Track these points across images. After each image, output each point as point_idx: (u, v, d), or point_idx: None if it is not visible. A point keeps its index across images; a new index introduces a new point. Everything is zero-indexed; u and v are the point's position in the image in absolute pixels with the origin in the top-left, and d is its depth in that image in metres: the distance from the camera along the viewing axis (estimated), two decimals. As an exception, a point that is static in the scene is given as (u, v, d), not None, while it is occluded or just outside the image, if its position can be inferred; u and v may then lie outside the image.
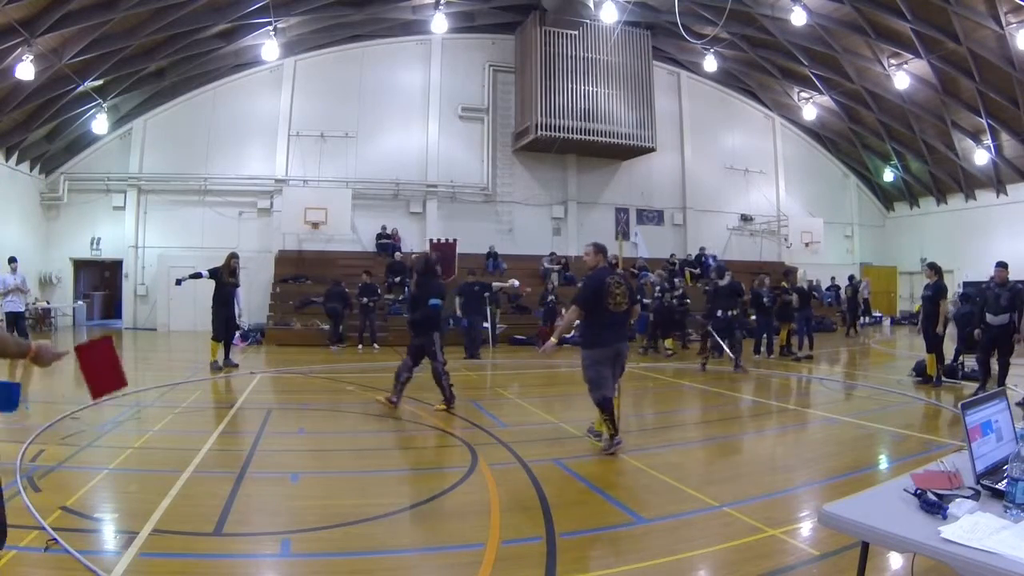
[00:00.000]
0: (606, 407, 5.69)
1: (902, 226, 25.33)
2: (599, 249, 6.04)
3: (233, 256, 11.56)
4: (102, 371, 2.49)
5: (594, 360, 5.72)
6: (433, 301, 7.49)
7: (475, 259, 18.45)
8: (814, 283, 20.02)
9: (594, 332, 5.75)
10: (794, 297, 13.89)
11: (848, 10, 16.99)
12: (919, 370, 10.05)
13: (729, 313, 11.45)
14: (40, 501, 4.03)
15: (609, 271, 5.96)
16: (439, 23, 17.70)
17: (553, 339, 6.04)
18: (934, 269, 9.81)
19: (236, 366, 11.29)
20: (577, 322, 6.01)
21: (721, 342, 11.84)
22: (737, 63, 21.58)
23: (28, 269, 14.53)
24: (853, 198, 25.51)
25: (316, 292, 17.47)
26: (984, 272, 9.89)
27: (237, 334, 12.94)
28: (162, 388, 8.88)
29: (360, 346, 14.61)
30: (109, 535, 3.71)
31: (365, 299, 14.65)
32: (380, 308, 15.95)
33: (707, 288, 13.29)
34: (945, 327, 9.62)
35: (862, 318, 20.74)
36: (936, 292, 9.56)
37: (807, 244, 22.53)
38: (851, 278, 20.38)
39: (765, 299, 13.63)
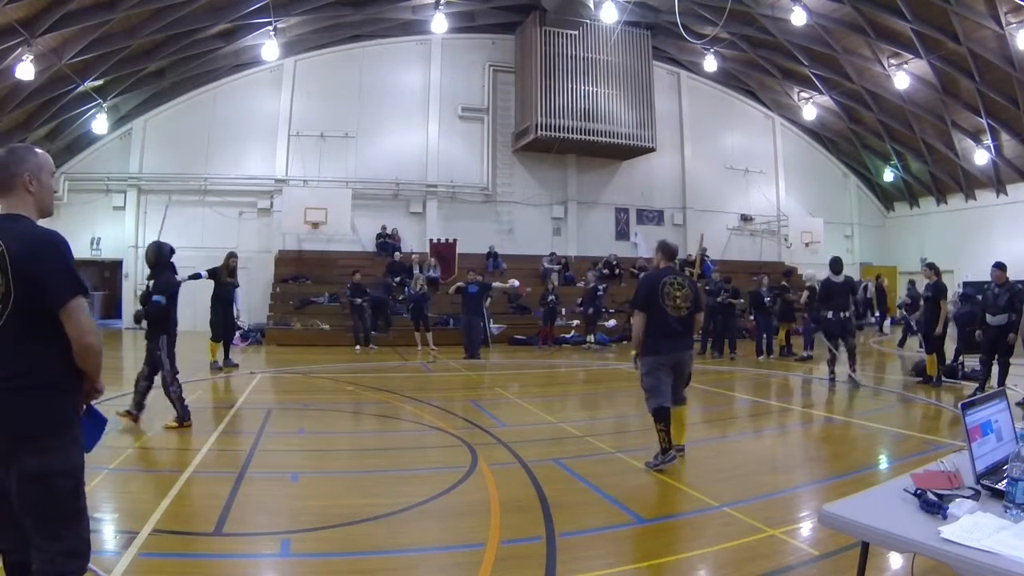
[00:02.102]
0: (661, 416, 5.29)
1: (902, 226, 25.31)
2: (660, 249, 5.74)
3: (232, 256, 11.58)
4: None
5: (651, 367, 5.40)
6: (155, 297, 6.62)
7: (475, 259, 18.45)
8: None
9: (651, 338, 5.39)
10: (804, 295, 13.81)
11: (848, 10, 16.98)
12: (919, 370, 10.05)
13: (842, 314, 9.74)
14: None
15: (668, 272, 5.57)
16: (439, 23, 17.69)
17: (634, 351, 5.64)
18: (933, 269, 9.82)
19: (236, 366, 11.30)
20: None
21: (833, 348, 9.92)
22: (737, 63, 21.58)
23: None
24: (853, 198, 25.50)
25: (316, 292, 17.52)
26: (984, 272, 9.85)
27: (237, 334, 12.95)
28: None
29: (358, 347, 14.61)
30: (109, 535, 3.71)
31: (357, 299, 14.64)
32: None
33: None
34: (946, 327, 9.61)
35: (864, 317, 20.70)
36: (936, 292, 9.56)
37: (807, 244, 22.51)
38: (878, 277, 20.41)
39: (766, 299, 13.62)
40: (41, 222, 2.32)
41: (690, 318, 5.53)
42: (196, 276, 11.23)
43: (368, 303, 14.87)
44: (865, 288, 18.79)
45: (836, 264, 9.92)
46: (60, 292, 2.16)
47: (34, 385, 2.15)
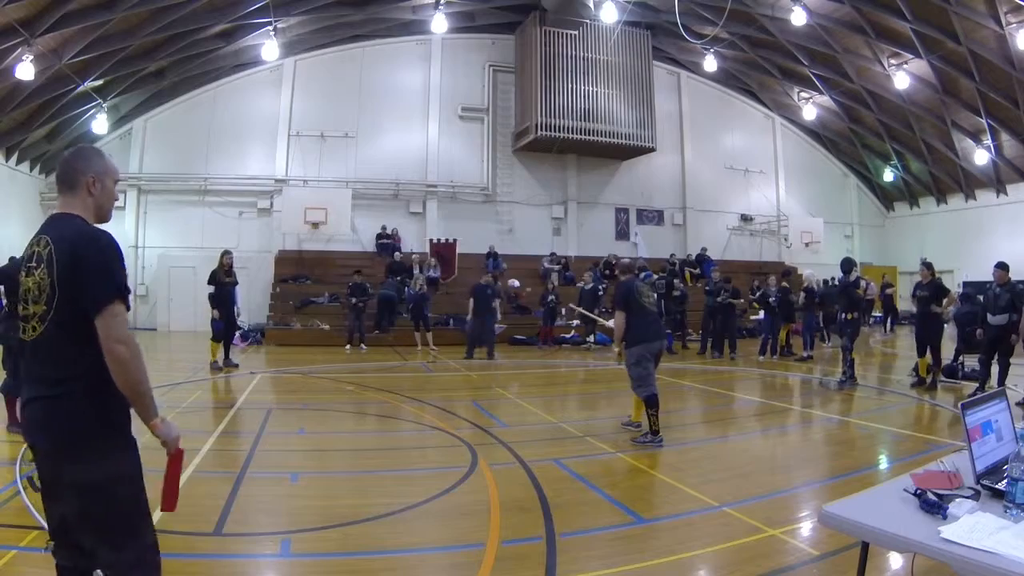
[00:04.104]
0: (653, 403, 6.05)
1: (902, 226, 25.31)
2: (623, 267, 6.94)
3: (226, 253, 11.56)
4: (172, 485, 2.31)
5: (639, 357, 6.20)
6: None
7: (475, 259, 18.46)
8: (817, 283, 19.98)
9: (638, 329, 6.28)
10: (801, 296, 13.83)
11: (848, 10, 16.98)
12: (919, 370, 10.03)
13: (845, 316, 9.68)
14: (40, 501, 4.02)
15: (635, 278, 6.63)
16: (439, 23, 17.69)
17: (615, 347, 6.57)
18: (930, 269, 9.75)
19: (236, 366, 11.29)
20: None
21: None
22: (737, 63, 21.58)
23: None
24: (853, 198, 25.50)
25: (316, 292, 17.53)
26: (984, 272, 9.83)
27: (237, 334, 12.95)
28: (162, 388, 8.88)
29: (348, 347, 14.57)
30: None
31: (354, 299, 14.61)
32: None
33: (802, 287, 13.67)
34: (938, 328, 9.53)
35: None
36: (936, 291, 9.50)
37: (807, 244, 22.52)
38: (883, 276, 20.48)
39: (771, 299, 13.62)
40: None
41: (658, 313, 6.87)
42: (211, 297, 11.18)
43: (364, 304, 14.76)
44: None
45: (843, 264, 9.99)
46: (96, 295, 2.04)
47: (85, 389, 2.05)
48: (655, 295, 6.75)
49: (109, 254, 2.12)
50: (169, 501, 2.26)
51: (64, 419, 2.04)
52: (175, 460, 2.26)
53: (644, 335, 6.28)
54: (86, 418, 2.05)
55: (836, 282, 12.91)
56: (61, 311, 2.05)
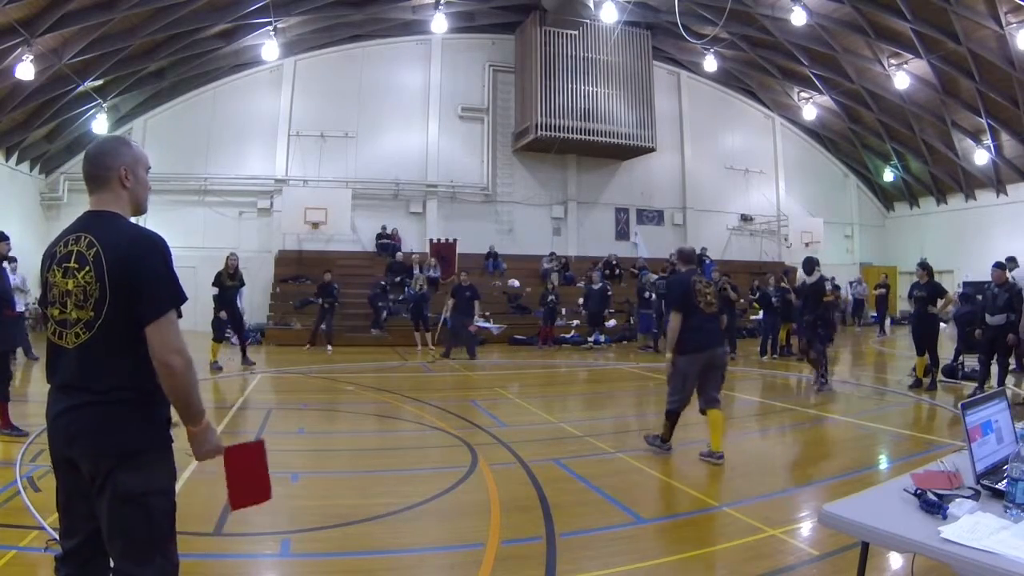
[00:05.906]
0: (672, 417, 5.66)
1: (902, 226, 25.31)
2: (680, 256, 6.22)
3: (230, 255, 11.66)
4: (247, 479, 2.22)
5: (682, 367, 5.55)
6: None
7: (475, 259, 18.45)
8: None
9: (687, 334, 5.54)
10: (792, 296, 13.85)
11: (848, 10, 16.98)
12: (917, 371, 10.01)
13: (807, 319, 9.53)
14: (40, 501, 4.03)
15: (693, 272, 5.89)
16: (439, 23, 17.69)
17: (667, 354, 5.75)
18: (926, 269, 9.72)
19: (253, 363, 11.39)
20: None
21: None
22: (737, 63, 21.58)
23: (28, 269, 14.58)
24: (853, 198, 25.49)
25: (316, 292, 17.51)
26: (984, 272, 9.81)
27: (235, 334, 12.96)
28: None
29: (308, 346, 14.53)
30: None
31: (320, 300, 14.55)
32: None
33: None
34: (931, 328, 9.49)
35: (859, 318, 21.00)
36: (932, 292, 9.48)
37: (807, 244, 22.47)
38: (884, 276, 20.48)
39: (773, 299, 13.62)
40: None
41: (718, 316, 5.94)
42: (214, 297, 11.24)
43: (331, 305, 14.54)
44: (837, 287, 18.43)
45: (805, 265, 9.70)
46: (155, 303, 1.97)
47: (133, 398, 1.99)
48: (715, 291, 5.88)
49: (167, 257, 2.07)
50: (247, 493, 2.24)
51: (117, 427, 1.97)
52: (235, 452, 2.22)
53: (695, 340, 5.50)
54: (139, 426, 2.00)
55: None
56: (111, 318, 1.97)
